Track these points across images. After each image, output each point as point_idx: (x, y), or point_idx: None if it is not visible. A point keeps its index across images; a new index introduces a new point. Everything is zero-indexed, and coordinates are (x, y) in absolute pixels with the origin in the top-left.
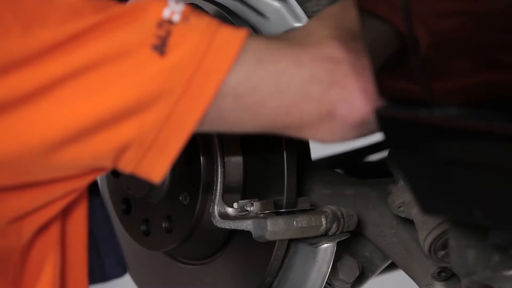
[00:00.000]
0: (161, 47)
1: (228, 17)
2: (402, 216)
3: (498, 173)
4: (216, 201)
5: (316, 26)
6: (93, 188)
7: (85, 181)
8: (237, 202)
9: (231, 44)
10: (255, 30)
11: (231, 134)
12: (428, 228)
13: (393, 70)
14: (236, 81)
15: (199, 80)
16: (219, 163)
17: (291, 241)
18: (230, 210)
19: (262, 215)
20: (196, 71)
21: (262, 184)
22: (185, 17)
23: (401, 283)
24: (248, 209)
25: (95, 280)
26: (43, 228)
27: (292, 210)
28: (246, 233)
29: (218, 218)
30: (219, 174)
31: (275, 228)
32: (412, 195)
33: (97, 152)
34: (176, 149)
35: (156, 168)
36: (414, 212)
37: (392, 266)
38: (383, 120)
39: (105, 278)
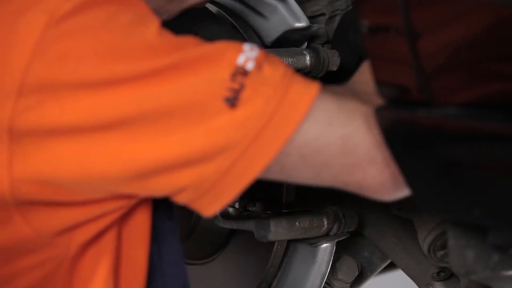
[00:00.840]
0: (233, 100)
1: (228, 17)
2: (402, 216)
3: (497, 173)
4: None
5: (365, 79)
6: (165, 211)
7: (137, 199)
8: (238, 202)
9: (301, 102)
10: (254, 30)
11: None
12: (427, 228)
13: (393, 71)
14: (303, 141)
15: (265, 137)
16: None
17: (290, 241)
18: (231, 210)
19: (264, 215)
20: (263, 128)
21: (263, 184)
22: (258, 66)
23: (401, 283)
24: (250, 209)
25: None
26: (96, 238)
27: (293, 211)
28: (245, 233)
29: (220, 218)
30: None
31: (277, 229)
32: (411, 194)
33: (155, 191)
34: (230, 198)
35: (209, 208)
36: (413, 212)
37: (391, 266)
38: (382, 120)
39: None
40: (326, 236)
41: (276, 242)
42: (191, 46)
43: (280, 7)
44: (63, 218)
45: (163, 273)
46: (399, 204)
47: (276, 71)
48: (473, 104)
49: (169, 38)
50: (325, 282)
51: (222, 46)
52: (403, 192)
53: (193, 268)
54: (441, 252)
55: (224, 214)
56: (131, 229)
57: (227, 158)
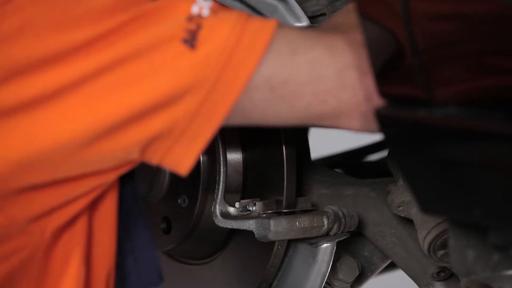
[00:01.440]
0: (191, 41)
1: None
2: (402, 215)
3: (498, 173)
4: (218, 200)
5: (344, 18)
6: (132, 194)
7: (111, 177)
8: (238, 201)
9: (261, 34)
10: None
11: (233, 133)
12: (427, 227)
13: (394, 70)
14: (270, 72)
15: (230, 72)
16: (221, 162)
17: (290, 241)
18: (231, 210)
19: (264, 215)
20: (227, 63)
21: (262, 184)
22: (214, 11)
23: (401, 283)
24: (250, 208)
25: (129, 286)
26: (69, 224)
27: (294, 211)
28: (246, 233)
29: (220, 217)
30: (222, 173)
31: (278, 229)
32: (412, 195)
33: (127, 145)
34: (204, 141)
35: (184, 159)
36: (413, 211)
37: (391, 266)
38: (383, 120)
39: (141, 285)
40: (326, 236)
41: (277, 242)
42: (144, 3)
43: (280, 7)
44: (37, 205)
45: (135, 256)
46: (399, 203)
47: (232, 12)
48: (474, 104)
49: None
50: (325, 282)
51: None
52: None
53: (193, 268)
54: (441, 252)
55: (224, 214)
56: (100, 215)
57: (195, 98)
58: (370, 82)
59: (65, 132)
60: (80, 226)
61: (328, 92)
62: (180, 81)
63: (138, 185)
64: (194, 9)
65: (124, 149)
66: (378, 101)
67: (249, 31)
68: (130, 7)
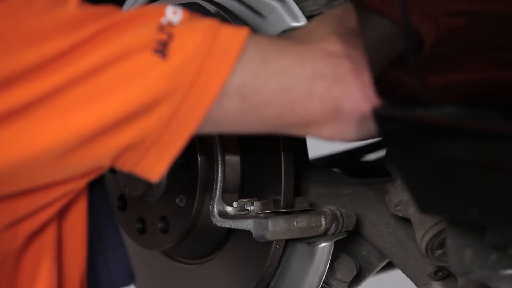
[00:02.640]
0: (162, 51)
1: (227, 17)
2: (399, 215)
3: (496, 172)
4: (216, 199)
5: (318, 25)
6: (102, 196)
7: (81, 183)
8: (236, 201)
9: (233, 43)
10: (253, 29)
11: (230, 134)
12: (425, 227)
13: (391, 69)
14: (242, 80)
15: (202, 81)
16: (219, 161)
17: (288, 240)
18: (229, 209)
19: (262, 215)
20: (199, 72)
21: (260, 183)
22: (185, 20)
23: (399, 282)
24: (248, 208)
25: (101, 287)
26: (37, 233)
27: (292, 210)
28: (243, 233)
29: (218, 217)
30: (220, 173)
31: (276, 228)
32: (409, 194)
33: (100, 154)
34: (176, 150)
35: (155, 168)
36: (411, 211)
37: (389, 266)
38: (380, 120)
39: (112, 286)
40: (324, 236)
41: (275, 242)
42: (113, 13)
43: (278, 6)
44: (7, 214)
45: (105, 257)
46: (397, 202)
47: (203, 21)
48: (471, 103)
49: (90, 9)
50: (323, 282)
51: (145, 9)
52: (354, 130)
53: (191, 267)
54: (439, 251)
55: (222, 213)
56: (70, 219)
57: (166, 108)
58: (339, 92)
59: (37, 145)
60: (50, 231)
61: (297, 102)
62: (151, 91)
63: (107, 186)
64: (165, 19)
65: (95, 159)
66: (347, 110)
67: (220, 40)
68: (100, 18)
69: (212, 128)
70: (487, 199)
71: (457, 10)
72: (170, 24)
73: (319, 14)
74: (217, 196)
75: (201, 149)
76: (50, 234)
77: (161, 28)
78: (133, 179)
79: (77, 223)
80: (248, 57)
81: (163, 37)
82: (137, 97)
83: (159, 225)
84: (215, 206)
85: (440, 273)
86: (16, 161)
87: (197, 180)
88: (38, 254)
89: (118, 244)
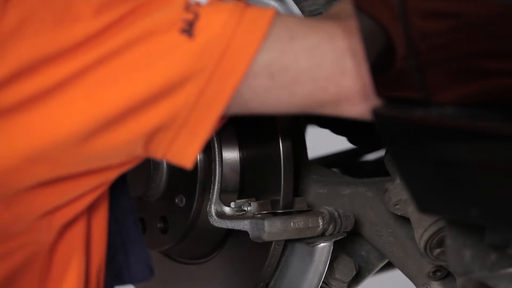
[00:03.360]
0: (189, 30)
1: None
2: (398, 214)
3: (495, 172)
4: (214, 200)
5: (341, 7)
6: (123, 192)
7: (115, 173)
8: (234, 201)
9: (260, 21)
10: None
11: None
12: (424, 225)
13: (391, 70)
14: (269, 58)
15: (228, 60)
16: (217, 162)
17: (288, 240)
18: (227, 210)
19: (259, 215)
20: (225, 51)
21: (259, 184)
22: (211, 1)
23: (398, 282)
24: (246, 209)
25: (123, 281)
26: (70, 224)
27: (289, 211)
28: (243, 233)
29: (215, 217)
30: (217, 173)
31: (272, 229)
32: (409, 194)
33: (130, 137)
34: (207, 131)
35: (187, 151)
36: (410, 210)
37: (389, 266)
38: (380, 120)
39: (132, 280)
40: (323, 236)
41: (274, 242)
42: None
43: (278, 6)
44: (42, 202)
45: (125, 251)
46: (396, 201)
47: (229, 1)
48: (471, 103)
49: None
50: (322, 282)
51: None
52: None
53: (191, 267)
54: (438, 250)
55: (220, 214)
56: (97, 212)
57: (194, 86)
58: (366, 70)
59: (67, 125)
60: (81, 224)
61: (328, 80)
62: (178, 70)
63: (128, 181)
64: None
65: (127, 143)
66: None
67: (247, 18)
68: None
69: (242, 108)
70: (486, 199)
71: (456, 12)
72: (196, 4)
73: (319, 14)
74: (214, 196)
75: (201, 151)
76: (81, 227)
77: (188, 7)
78: (132, 179)
79: (101, 215)
80: (275, 35)
81: (189, 16)
82: (164, 75)
83: (158, 225)
84: (212, 206)
85: (438, 273)
86: (47, 142)
87: (197, 180)
88: (70, 246)
89: (138, 239)
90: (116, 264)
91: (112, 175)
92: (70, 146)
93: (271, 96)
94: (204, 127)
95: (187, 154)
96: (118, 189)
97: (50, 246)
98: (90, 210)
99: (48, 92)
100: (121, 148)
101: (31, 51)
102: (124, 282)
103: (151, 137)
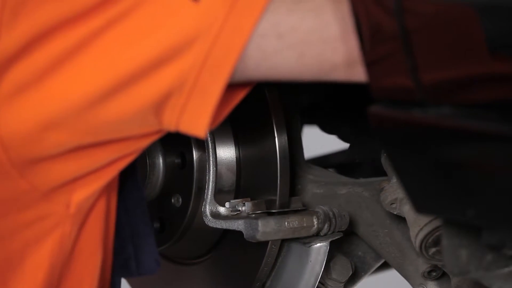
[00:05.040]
0: None
1: None
2: (394, 213)
3: (492, 173)
4: (208, 200)
5: None
6: (134, 183)
7: (131, 147)
8: (229, 201)
9: None
10: None
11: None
12: (419, 224)
13: (387, 70)
14: (276, 18)
15: (234, 19)
16: (211, 162)
17: (284, 240)
18: (222, 210)
19: (253, 215)
20: (231, 11)
21: (255, 184)
22: None
23: (394, 282)
24: (240, 209)
25: (130, 272)
26: (94, 205)
27: (284, 211)
28: (239, 233)
29: (210, 217)
30: (212, 173)
31: (266, 229)
32: (406, 194)
33: (140, 103)
34: (217, 95)
35: (200, 118)
36: (406, 209)
37: (385, 266)
38: (376, 120)
39: (139, 272)
40: (319, 236)
41: (270, 242)
42: None
43: None
44: (58, 172)
45: (134, 243)
46: (392, 200)
47: None
48: (468, 104)
49: None
50: (319, 282)
51: None
52: None
53: (186, 267)
54: (433, 249)
55: (214, 214)
56: (112, 196)
57: (201, 46)
58: None
59: (78, 90)
60: (100, 207)
61: (338, 39)
62: (185, 31)
63: (139, 172)
64: None
65: (138, 110)
66: None
67: None
68: None
69: (251, 72)
70: (483, 199)
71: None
72: None
73: None
74: (209, 196)
75: (197, 148)
76: (100, 210)
77: None
78: None
79: (113, 202)
80: None
81: None
82: (171, 37)
83: (155, 225)
84: (207, 206)
85: (433, 273)
86: (60, 108)
87: (193, 180)
88: (94, 231)
89: (147, 231)
90: (124, 254)
91: (128, 149)
92: (83, 111)
93: (281, 57)
94: (214, 90)
95: (199, 122)
96: (128, 179)
97: (78, 228)
98: (109, 194)
99: (61, 58)
100: (133, 115)
101: (47, 16)
102: (131, 273)
103: (162, 105)
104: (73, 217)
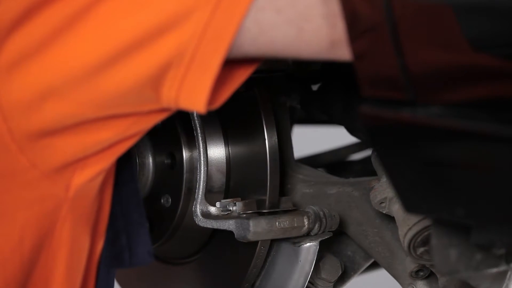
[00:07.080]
0: None
1: None
2: (384, 212)
3: (481, 173)
4: (199, 200)
5: None
6: (129, 175)
7: (132, 128)
8: (219, 201)
9: None
10: None
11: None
12: (408, 224)
13: (377, 69)
14: None
15: None
16: (202, 161)
17: (273, 240)
18: (212, 209)
19: (244, 215)
20: None
21: (245, 184)
22: None
23: (384, 282)
24: (231, 208)
25: (123, 264)
26: (102, 187)
27: (274, 211)
28: (228, 233)
29: (200, 217)
30: (202, 173)
31: (257, 229)
32: (395, 194)
33: (140, 73)
34: (216, 67)
35: (199, 91)
36: (395, 208)
37: (375, 265)
38: (367, 119)
39: (132, 263)
40: (309, 236)
41: (260, 243)
42: None
43: None
44: (61, 151)
45: (127, 234)
46: (381, 199)
47: None
48: (458, 103)
49: None
50: (308, 282)
51: None
52: None
53: (175, 267)
54: (421, 249)
55: (205, 214)
56: (104, 194)
57: (199, 18)
58: None
59: (76, 58)
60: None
61: (337, 14)
62: (183, 1)
63: (135, 164)
64: None
65: (138, 81)
66: None
67: None
68: None
69: (247, 47)
70: (472, 199)
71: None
72: None
73: None
74: (199, 196)
75: (187, 149)
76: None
77: None
78: None
79: (106, 199)
80: None
81: None
82: (170, 7)
83: None
84: (198, 206)
85: (421, 273)
86: (58, 76)
87: (183, 181)
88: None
89: (141, 222)
90: (117, 246)
91: (131, 130)
92: (83, 80)
93: (279, 31)
94: (214, 61)
95: (199, 96)
96: (124, 171)
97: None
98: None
99: (60, 26)
100: (133, 86)
101: None
102: (124, 265)
103: (161, 78)
104: (71, 202)
